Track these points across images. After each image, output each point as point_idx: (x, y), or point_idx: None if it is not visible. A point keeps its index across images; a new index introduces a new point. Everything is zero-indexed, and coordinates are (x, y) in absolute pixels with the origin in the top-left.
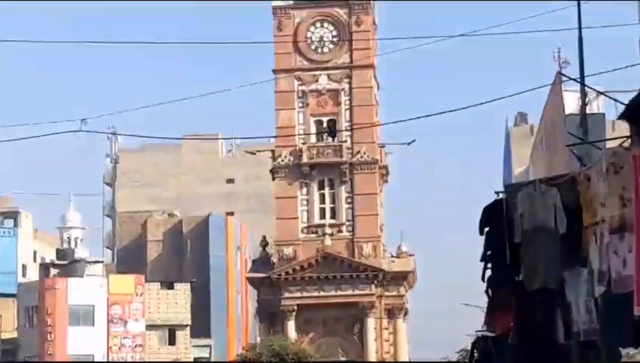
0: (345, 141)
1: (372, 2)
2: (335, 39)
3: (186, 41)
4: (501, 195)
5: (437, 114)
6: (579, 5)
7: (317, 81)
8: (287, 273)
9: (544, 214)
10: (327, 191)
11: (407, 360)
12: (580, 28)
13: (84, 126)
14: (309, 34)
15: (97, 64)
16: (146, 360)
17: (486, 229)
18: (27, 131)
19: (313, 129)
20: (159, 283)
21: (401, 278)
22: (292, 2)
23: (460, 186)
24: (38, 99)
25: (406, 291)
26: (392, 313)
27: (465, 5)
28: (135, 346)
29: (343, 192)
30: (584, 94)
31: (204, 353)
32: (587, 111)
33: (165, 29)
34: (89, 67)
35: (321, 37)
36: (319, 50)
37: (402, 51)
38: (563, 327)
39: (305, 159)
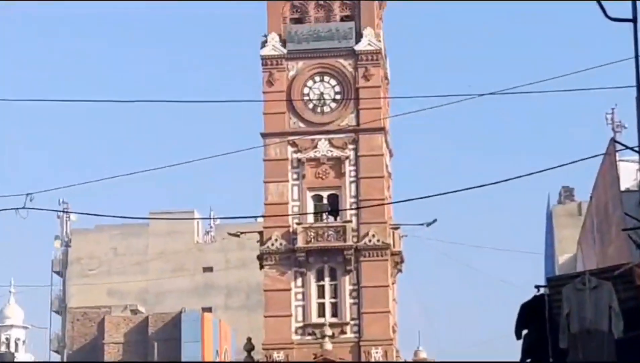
0: (350, 221)
1: (383, 52)
2: (338, 97)
3: (153, 100)
4: (542, 290)
5: (464, 189)
6: (636, 59)
7: (315, 147)
8: None
9: (596, 314)
10: (327, 282)
11: None
12: (638, 86)
13: (29, 203)
14: (306, 90)
15: (46, 125)
16: None
17: (524, 331)
18: None
19: (310, 206)
20: None
21: None
22: (285, 50)
23: (492, 277)
24: None
25: None
26: None
27: (498, 54)
28: None
29: (347, 284)
30: None
31: None
32: None
33: (134, 76)
34: (36, 128)
35: (321, 94)
36: (319, 110)
37: (419, 114)
38: None
39: (300, 244)
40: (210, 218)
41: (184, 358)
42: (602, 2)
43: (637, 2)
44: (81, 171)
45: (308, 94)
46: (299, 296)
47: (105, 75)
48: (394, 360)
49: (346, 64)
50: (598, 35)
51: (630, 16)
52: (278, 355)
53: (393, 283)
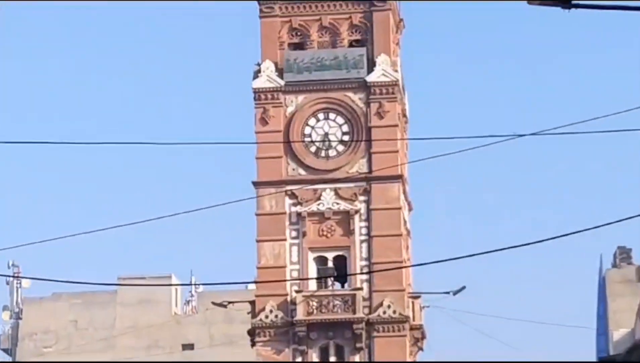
0: (361, 289)
1: (400, 83)
2: (346, 138)
3: (125, 141)
4: None
5: (498, 250)
6: None
7: (319, 199)
8: None
9: None
10: (333, 361)
11: None
12: None
13: None
14: (307, 130)
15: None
16: None
17: None
18: None
19: (313, 270)
20: None
21: None
22: (282, 82)
23: (533, 352)
24: None
25: None
26: None
27: (541, 86)
28: None
29: None
30: None
31: None
32: None
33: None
34: None
35: (326, 135)
36: (323, 153)
37: (445, 156)
38: None
39: (300, 316)
40: (191, 284)
41: None
42: None
43: None
44: (36, 228)
45: (310, 135)
46: None
47: (67, 107)
48: None
49: (356, 98)
50: None
51: None
52: None
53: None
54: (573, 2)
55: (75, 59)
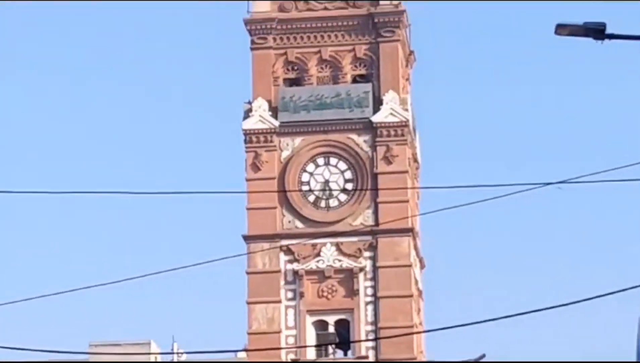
0: (367, 357)
1: (411, 124)
2: (349, 186)
3: (88, 190)
4: None
5: (522, 314)
6: None
7: (318, 255)
8: None
9: None
10: None
11: None
12: None
13: None
14: (305, 177)
15: None
16: None
17: None
18: None
19: (311, 336)
20: None
21: None
22: (277, 123)
23: None
24: None
25: None
26: None
27: (566, 133)
28: None
29: None
30: None
31: None
32: None
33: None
34: None
35: (326, 183)
36: (323, 204)
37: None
38: None
39: None
40: (173, 353)
41: None
42: None
43: None
44: (3, 289)
45: (308, 183)
46: None
47: (47, 153)
48: None
49: (360, 141)
50: None
51: None
52: None
53: None
54: (608, 32)
55: (57, 104)
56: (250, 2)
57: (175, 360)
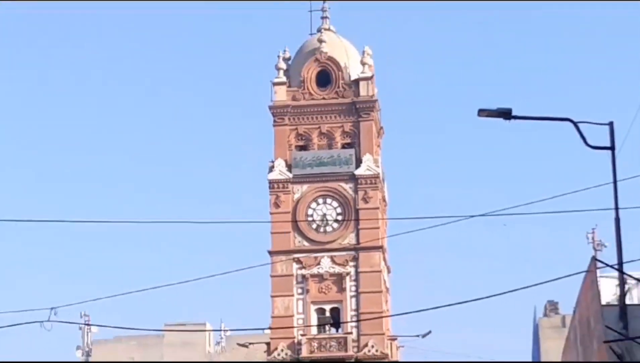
0: (351, 333)
1: (381, 176)
2: (339, 217)
3: (167, 220)
4: None
5: (455, 304)
6: (615, 184)
7: (318, 264)
8: None
9: None
10: None
11: None
12: (617, 208)
13: (53, 316)
14: (309, 211)
15: (68, 243)
16: None
17: None
18: None
19: (314, 318)
20: None
21: None
22: (291, 175)
23: None
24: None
25: None
26: None
27: (491, 177)
28: None
29: None
30: (622, 282)
31: None
32: (627, 302)
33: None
34: (60, 245)
35: (324, 215)
36: (322, 229)
37: (417, 233)
38: None
39: (305, 353)
40: (220, 330)
41: None
42: (582, 126)
43: (614, 130)
44: (102, 284)
45: (312, 215)
46: None
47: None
48: None
49: (347, 187)
50: (580, 159)
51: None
52: None
53: None
54: (514, 115)
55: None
56: (273, 93)
57: (222, 335)
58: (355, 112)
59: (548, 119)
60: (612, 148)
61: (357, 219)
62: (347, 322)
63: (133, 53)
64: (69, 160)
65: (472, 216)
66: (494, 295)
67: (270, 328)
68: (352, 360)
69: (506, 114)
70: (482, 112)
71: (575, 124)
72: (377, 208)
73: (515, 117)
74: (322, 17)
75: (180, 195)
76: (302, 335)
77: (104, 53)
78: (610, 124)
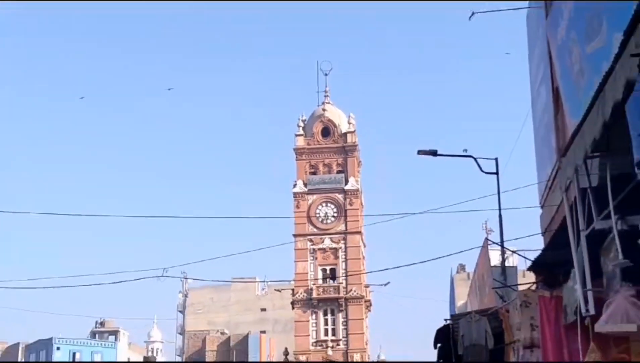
0: (342, 283)
1: (360, 189)
2: (335, 214)
3: (236, 216)
4: (448, 321)
5: (405, 265)
6: (498, 194)
7: (322, 242)
8: None
9: (478, 335)
10: (329, 317)
11: None
12: (500, 209)
13: (165, 273)
14: (317, 211)
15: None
16: None
17: (439, 344)
18: (128, 275)
19: (320, 274)
20: None
21: None
22: (306, 189)
23: (421, 313)
24: (137, 252)
25: None
26: None
27: (424, 188)
28: None
29: (340, 318)
30: (503, 253)
31: None
32: (506, 264)
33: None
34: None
35: (326, 213)
36: (324, 221)
37: (380, 223)
38: None
39: (314, 295)
40: (265, 281)
41: (250, 358)
42: (477, 159)
43: (498, 161)
44: (197, 249)
45: (318, 213)
46: (313, 325)
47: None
48: (366, 359)
49: (340, 197)
50: (477, 180)
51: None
52: (302, 357)
53: (366, 317)
54: (439, 153)
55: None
56: (295, 141)
57: (265, 285)
58: (344, 152)
59: (458, 156)
60: (497, 173)
61: (345, 216)
62: (340, 277)
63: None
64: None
65: (413, 214)
66: (428, 260)
67: (294, 280)
68: (343, 299)
69: (434, 152)
70: (420, 152)
71: (475, 158)
72: (358, 209)
73: (440, 155)
74: (325, 95)
75: (243, 204)
76: (313, 285)
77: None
78: (496, 159)
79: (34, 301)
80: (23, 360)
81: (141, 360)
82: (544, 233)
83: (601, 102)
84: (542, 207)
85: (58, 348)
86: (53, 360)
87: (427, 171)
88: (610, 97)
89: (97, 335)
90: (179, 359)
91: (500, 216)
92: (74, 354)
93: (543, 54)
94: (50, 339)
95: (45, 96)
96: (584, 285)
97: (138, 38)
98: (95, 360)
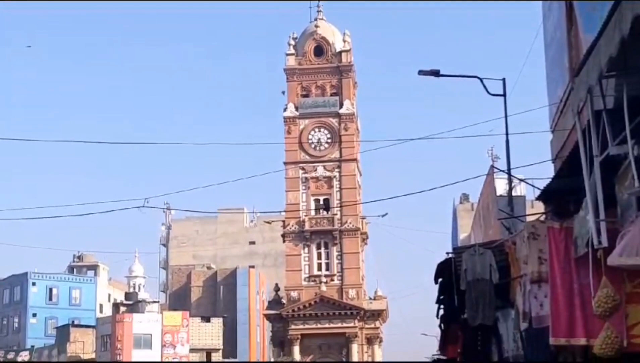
0: (336, 214)
1: (355, 113)
2: (329, 141)
3: (221, 142)
4: (450, 255)
5: (404, 195)
6: (505, 118)
7: (315, 170)
8: (293, 310)
9: (482, 269)
10: (322, 251)
11: None
12: (507, 133)
13: (147, 203)
14: (310, 137)
15: (155, 156)
16: None
17: (440, 279)
18: (107, 206)
19: (313, 205)
20: (199, 318)
21: (377, 314)
22: (298, 113)
23: (422, 247)
24: (115, 183)
25: (381, 324)
26: (370, 340)
27: (425, 115)
28: None
29: (334, 252)
30: (510, 181)
31: None
32: (513, 194)
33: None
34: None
35: (319, 139)
36: (317, 148)
37: (377, 150)
38: (497, 353)
39: (307, 227)
40: (253, 212)
41: (238, 294)
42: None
43: (506, 81)
44: (180, 179)
45: (311, 139)
46: (306, 259)
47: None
48: (362, 295)
49: (334, 121)
50: (484, 102)
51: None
52: (294, 293)
53: (362, 251)
54: (441, 73)
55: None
56: (286, 61)
57: (254, 216)
58: (339, 73)
59: (462, 76)
60: (504, 95)
61: (340, 141)
62: (334, 207)
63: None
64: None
65: (412, 139)
66: (428, 190)
67: (285, 211)
68: (337, 231)
69: (436, 72)
70: (421, 72)
71: (480, 79)
72: (353, 134)
73: (443, 75)
74: (318, 11)
75: (230, 131)
76: (305, 216)
77: None
78: (503, 80)
79: (7, 233)
80: None
81: (122, 295)
82: (554, 160)
83: (619, 16)
84: (552, 132)
85: (34, 284)
86: (28, 296)
87: (429, 95)
88: (629, 10)
89: (75, 270)
90: (162, 295)
91: (507, 141)
92: (50, 290)
93: None
94: (25, 274)
95: None
96: (596, 215)
97: None
98: (74, 296)
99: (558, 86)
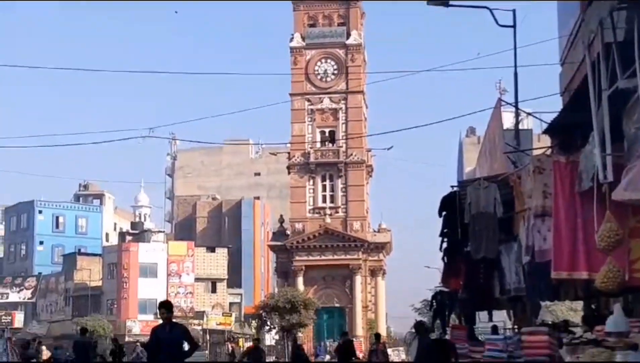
0: (342, 147)
1: (362, 44)
2: (335, 72)
3: (230, 72)
4: (455, 188)
5: (410, 128)
6: (515, 50)
7: (321, 102)
8: (297, 242)
9: (486, 203)
10: (327, 183)
11: (384, 307)
12: (515, 66)
13: (152, 133)
14: (316, 68)
15: (161, 90)
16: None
17: (444, 213)
18: (113, 135)
19: (318, 137)
20: (204, 248)
21: (381, 247)
22: (304, 43)
23: (426, 180)
24: (123, 112)
25: (384, 256)
26: (374, 272)
27: (433, 47)
28: (187, 293)
29: (339, 184)
30: (517, 115)
31: (236, 300)
32: (520, 127)
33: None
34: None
35: (325, 70)
36: (324, 79)
37: (384, 81)
38: (499, 285)
39: (312, 159)
40: (259, 144)
41: (243, 225)
42: (494, 11)
43: (516, 12)
44: (186, 110)
45: (317, 70)
46: (311, 191)
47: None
48: (366, 228)
49: (341, 52)
50: (492, 33)
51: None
52: (298, 225)
53: (367, 183)
54: (450, 3)
55: None
56: None
57: (260, 147)
58: (346, 2)
59: (472, 6)
60: (514, 27)
61: (346, 73)
62: (339, 139)
63: None
64: None
65: (420, 71)
66: (435, 123)
67: (290, 143)
68: (342, 164)
69: (445, 2)
70: (430, 2)
71: (490, 10)
72: (360, 66)
73: (452, 5)
74: None
75: (237, 62)
76: (310, 148)
77: None
78: (513, 10)
79: (14, 161)
80: (3, 223)
81: (128, 225)
82: (562, 93)
83: None
84: (562, 65)
85: (40, 212)
86: (35, 224)
87: (438, 26)
88: None
89: (81, 199)
90: (168, 225)
91: (515, 73)
92: (57, 218)
93: None
94: (32, 202)
95: None
96: (603, 149)
97: None
98: (80, 224)
99: (569, 18)
